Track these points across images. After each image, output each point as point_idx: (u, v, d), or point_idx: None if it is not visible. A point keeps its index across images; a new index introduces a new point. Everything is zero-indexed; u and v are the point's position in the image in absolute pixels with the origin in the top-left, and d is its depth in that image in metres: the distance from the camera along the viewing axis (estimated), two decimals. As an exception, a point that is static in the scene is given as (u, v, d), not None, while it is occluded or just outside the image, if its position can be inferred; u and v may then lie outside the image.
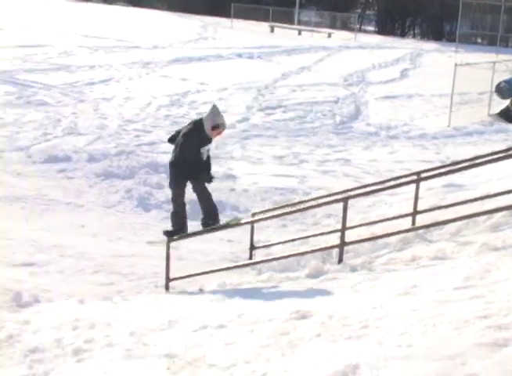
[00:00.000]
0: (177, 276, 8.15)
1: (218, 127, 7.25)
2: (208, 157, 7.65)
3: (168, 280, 8.10)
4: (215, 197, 11.58)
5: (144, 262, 8.49)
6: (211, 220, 7.77)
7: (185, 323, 5.74)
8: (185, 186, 7.76)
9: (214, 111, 7.29)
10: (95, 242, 9.50)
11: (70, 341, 5.48)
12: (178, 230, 7.96)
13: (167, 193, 11.59)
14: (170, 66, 24.25)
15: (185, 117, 17.62)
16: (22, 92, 18.24)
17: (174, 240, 8.20)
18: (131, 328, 5.69)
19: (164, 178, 12.41)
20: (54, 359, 5.15)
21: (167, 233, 8.02)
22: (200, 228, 7.98)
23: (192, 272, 8.23)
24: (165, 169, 12.64)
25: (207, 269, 8.30)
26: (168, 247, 8.14)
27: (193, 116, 17.69)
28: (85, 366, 4.98)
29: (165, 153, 14.01)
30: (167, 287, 8.09)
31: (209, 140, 7.38)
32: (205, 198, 7.72)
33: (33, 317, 6.19)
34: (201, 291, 7.66)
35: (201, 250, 9.64)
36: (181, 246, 9.09)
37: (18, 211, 10.29)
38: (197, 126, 7.32)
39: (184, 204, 7.85)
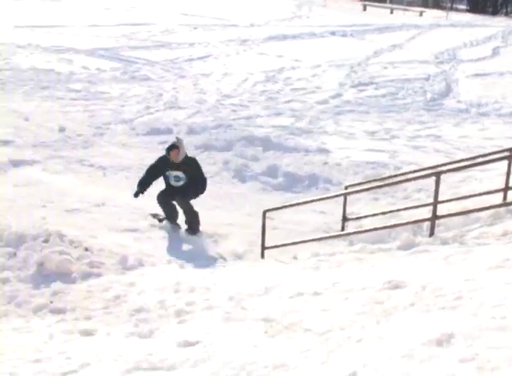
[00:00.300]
0: (272, 245, 8.33)
1: (171, 149, 8.46)
2: (184, 186, 8.64)
3: (264, 248, 8.31)
4: (309, 170, 11.88)
5: (240, 231, 8.67)
6: (192, 230, 8.75)
7: (281, 290, 5.84)
8: (169, 201, 8.76)
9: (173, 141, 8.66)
10: (194, 210, 9.81)
11: (172, 302, 5.73)
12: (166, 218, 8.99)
13: (263, 165, 11.89)
14: (266, 44, 24.28)
15: (280, 92, 17.76)
16: (127, 67, 18.77)
17: (269, 210, 8.49)
18: (229, 293, 5.87)
19: (260, 151, 12.64)
20: (158, 319, 5.40)
21: (155, 215, 9.03)
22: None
23: (287, 242, 8.42)
24: (260, 142, 12.98)
25: (301, 239, 8.45)
26: (264, 217, 8.41)
27: (288, 92, 17.89)
28: (187, 326, 5.20)
29: (261, 127, 14.24)
30: (262, 255, 8.30)
31: (171, 164, 8.49)
32: (187, 212, 8.78)
33: (138, 279, 6.45)
34: (295, 259, 7.80)
35: (294, 220, 9.79)
36: (275, 216, 9.29)
37: (123, 180, 10.69)
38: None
39: (172, 206, 8.88)
